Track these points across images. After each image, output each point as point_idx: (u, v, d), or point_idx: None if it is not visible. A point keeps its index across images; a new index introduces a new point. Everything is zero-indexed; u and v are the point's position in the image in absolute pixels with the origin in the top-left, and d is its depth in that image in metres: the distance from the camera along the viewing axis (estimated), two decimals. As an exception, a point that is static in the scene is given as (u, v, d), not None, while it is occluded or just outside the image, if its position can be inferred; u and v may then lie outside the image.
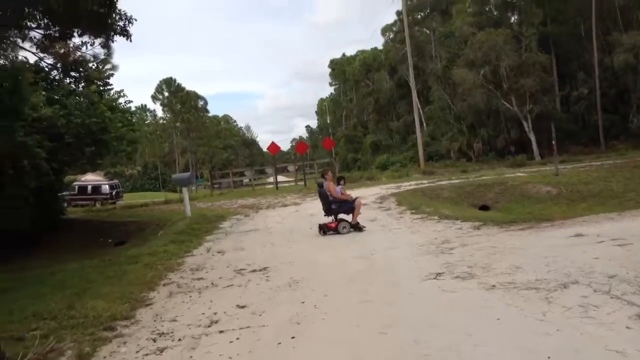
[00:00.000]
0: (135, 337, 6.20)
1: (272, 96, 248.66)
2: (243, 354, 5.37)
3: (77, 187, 43.16)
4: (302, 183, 31.29)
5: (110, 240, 22.62)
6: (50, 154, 21.50)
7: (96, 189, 43.89)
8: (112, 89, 25.39)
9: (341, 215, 13.44)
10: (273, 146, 32.64)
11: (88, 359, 5.64)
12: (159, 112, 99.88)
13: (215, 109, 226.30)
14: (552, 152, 27.17)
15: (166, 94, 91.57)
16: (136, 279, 9.42)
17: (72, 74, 24.81)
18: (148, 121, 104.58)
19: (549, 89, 43.72)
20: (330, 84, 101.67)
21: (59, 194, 25.96)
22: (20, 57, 22.71)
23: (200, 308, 7.26)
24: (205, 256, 11.67)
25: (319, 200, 21.46)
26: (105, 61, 24.70)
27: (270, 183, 35.40)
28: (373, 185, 28.34)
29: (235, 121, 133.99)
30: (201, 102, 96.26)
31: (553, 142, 26.43)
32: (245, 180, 40.30)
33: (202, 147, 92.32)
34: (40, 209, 21.38)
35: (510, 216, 14.22)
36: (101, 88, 24.27)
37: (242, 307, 7.09)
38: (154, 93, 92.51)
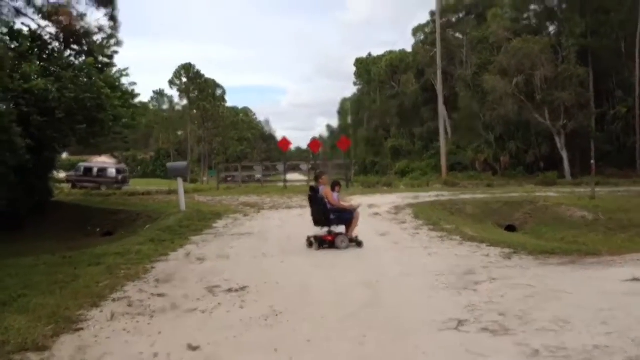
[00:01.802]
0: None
1: (295, 92, 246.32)
2: None
3: (83, 168, 42.03)
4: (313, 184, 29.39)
5: (98, 230, 20.98)
6: (40, 130, 19.86)
7: (102, 171, 42.26)
8: (114, 66, 23.74)
9: (332, 227, 11.55)
10: (283, 142, 30.76)
11: None
12: (176, 99, 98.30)
13: (236, 101, 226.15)
14: (590, 172, 24.93)
15: (184, 79, 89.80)
16: (85, 287, 7.63)
17: (74, 46, 23.24)
18: (165, 107, 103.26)
19: (585, 104, 41.16)
20: (355, 84, 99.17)
21: (48, 174, 24.21)
22: (18, 24, 21.34)
23: (140, 343, 5.41)
24: (180, 263, 9.86)
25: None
26: (110, 36, 23.16)
27: (281, 181, 33.60)
28: (389, 192, 26.40)
29: (255, 114, 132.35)
30: (219, 91, 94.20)
31: (592, 162, 24.35)
32: (258, 176, 38.49)
33: (217, 137, 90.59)
34: (22, 189, 19.69)
35: (545, 244, 12.12)
36: (101, 64, 22.62)
37: (194, 349, 5.23)
38: (172, 78, 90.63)
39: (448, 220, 15.58)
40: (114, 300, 7.06)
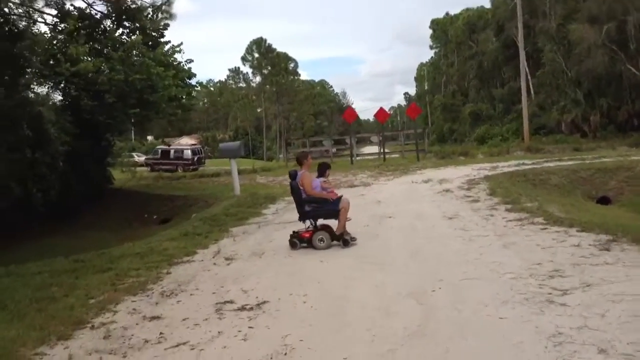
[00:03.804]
0: None
1: (373, 61, 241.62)
2: None
3: (160, 150, 42.92)
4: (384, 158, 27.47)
5: (155, 217, 20.14)
6: (92, 114, 19.03)
7: (179, 153, 42.44)
8: (167, 43, 22.54)
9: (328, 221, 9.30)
10: (349, 112, 28.84)
11: None
12: (251, 76, 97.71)
13: (313, 74, 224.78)
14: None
15: (256, 55, 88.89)
16: (68, 308, 6.29)
17: (126, 23, 22.15)
18: (242, 85, 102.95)
19: (685, 51, 36.83)
20: (431, 47, 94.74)
21: (104, 161, 23.51)
22: (67, 5, 20.39)
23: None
24: (203, 265, 8.40)
25: (393, 182, 17.93)
26: (159, 8, 21.81)
27: (357, 154, 31.86)
28: (465, 163, 24.10)
29: (331, 87, 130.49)
30: (292, 65, 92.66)
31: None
32: (334, 150, 36.79)
33: (293, 112, 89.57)
34: (76, 177, 18.95)
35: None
36: (153, 41, 21.44)
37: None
38: (244, 54, 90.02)
39: (529, 196, 13.37)
40: (92, 327, 5.64)
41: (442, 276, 6.78)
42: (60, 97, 20.13)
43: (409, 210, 12.25)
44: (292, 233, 9.33)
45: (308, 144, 35.47)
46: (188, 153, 42.53)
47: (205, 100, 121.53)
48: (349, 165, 26.36)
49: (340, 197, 9.38)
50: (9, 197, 14.86)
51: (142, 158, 47.73)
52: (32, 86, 15.75)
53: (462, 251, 8.08)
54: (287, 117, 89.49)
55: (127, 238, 15.61)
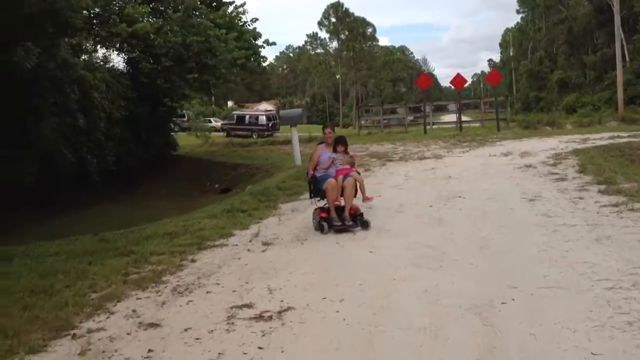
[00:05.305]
0: None
1: (457, 27, 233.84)
2: None
3: (235, 116, 43.41)
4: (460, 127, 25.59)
5: (216, 186, 19.44)
6: (150, 78, 18.31)
7: (254, 119, 43.04)
8: (232, 2, 21.45)
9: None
10: (423, 78, 26.94)
11: None
12: (328, 42, 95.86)
13: (393, 41, 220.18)
14: None
15: (333, 20, 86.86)
16: (55, 307, 5.28)
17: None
18: (319, 50, 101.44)
19: None
20: (518, 12, 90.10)
21: (166, 127, 22.85)
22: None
23: None
24: (234, 251, 7.33)
25: (469, 154, 16.35)
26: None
27: (434, 123, 30.22)
28: (551, 134, 21.94)
29: (411, 53, 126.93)
30: (370, 30, 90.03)
31: None
32: (410, 118, 35.10)
33: (371, 79, 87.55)
34: (136, 144, 18.35)
35: None
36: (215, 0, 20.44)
37: None
38: (321, 19, 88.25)
39: (627, 174, 11.43)
40: (74, 336, 4.61)
41: (516, 281, 5.35)
42: (118, 60, 19.58)
43: (483, 189, 10.69)
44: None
45: (381, 112, 33.90)
46: (263, 119, 42.82)
47: (285, 66, 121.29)
48: (422, 134, 24.69)
49: (345, 176, 8.11)
50: (62, 164, 14.35)
51: (219, 123, 48.22)
52: (85, 47, 15.07)
53: (544, 246, 6.56)
54: (364, 84, 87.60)
55: (184, 208, 14.95)
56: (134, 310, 5.18)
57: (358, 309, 4.91)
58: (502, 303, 4.84)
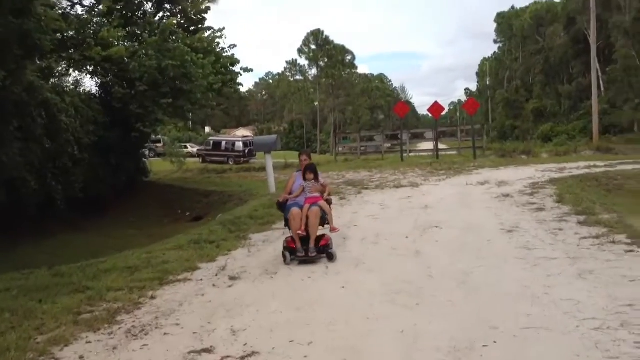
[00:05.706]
0: None
1: (436, 56, 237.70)
2: None
3: (212, 142, 43.37)
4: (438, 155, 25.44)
5: (187, 214, 18.95)
6: (124, 104, 17.88)
7: (231, 145, 42.63)
8: (209, 29, 21.20)
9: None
10: (401, 106, 26.82)
11: None
12: (307, 68, 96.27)
13: (373, 69, 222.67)
14: None
15: (313, 47, 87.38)
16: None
17: (167, 6, 20.87)
18: (298, 77, 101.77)
19: None
20: (495, 41, 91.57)
21: (138, 153, 22.36)
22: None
23: None
24: (198, 287, 6.86)
25: (445, 183, 16.14)
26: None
27: (411, 150, 30.05)
28: (527, 163, 21.84)
29: (390, 81, 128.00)
30: (349, 57, 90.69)
31: None
32: (388, 145, 34.89)
33: (349, 106, 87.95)
34: (106, 170, 17.82)
35: None
36: (193, 25, 20.18)
37: None
38: (301, 46, 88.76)
39: (605, 205, 11.27)
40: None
41: (498, 321, 5.01)
42: (91, 84, 19.19)
43: (460, 218, 10.39)
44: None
45: (359, 139, 33.75)
46: (240, 145, 42.38)
47: (264, 93, 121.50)
48: (399, 162, 24.49)
49: (311, 205, 7.78)
50: (25, 191, 13.76)
51: (195, 149, 47.92)
52: (56, 71, 14.65)
53: (525, 281, 6.24)
54: (342, 111, 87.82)
55: (153, 235, 14.43)
56: (81, 357, 4.71)
57: (328, 354, 4.52)
58: (484, 346, 4.49)
